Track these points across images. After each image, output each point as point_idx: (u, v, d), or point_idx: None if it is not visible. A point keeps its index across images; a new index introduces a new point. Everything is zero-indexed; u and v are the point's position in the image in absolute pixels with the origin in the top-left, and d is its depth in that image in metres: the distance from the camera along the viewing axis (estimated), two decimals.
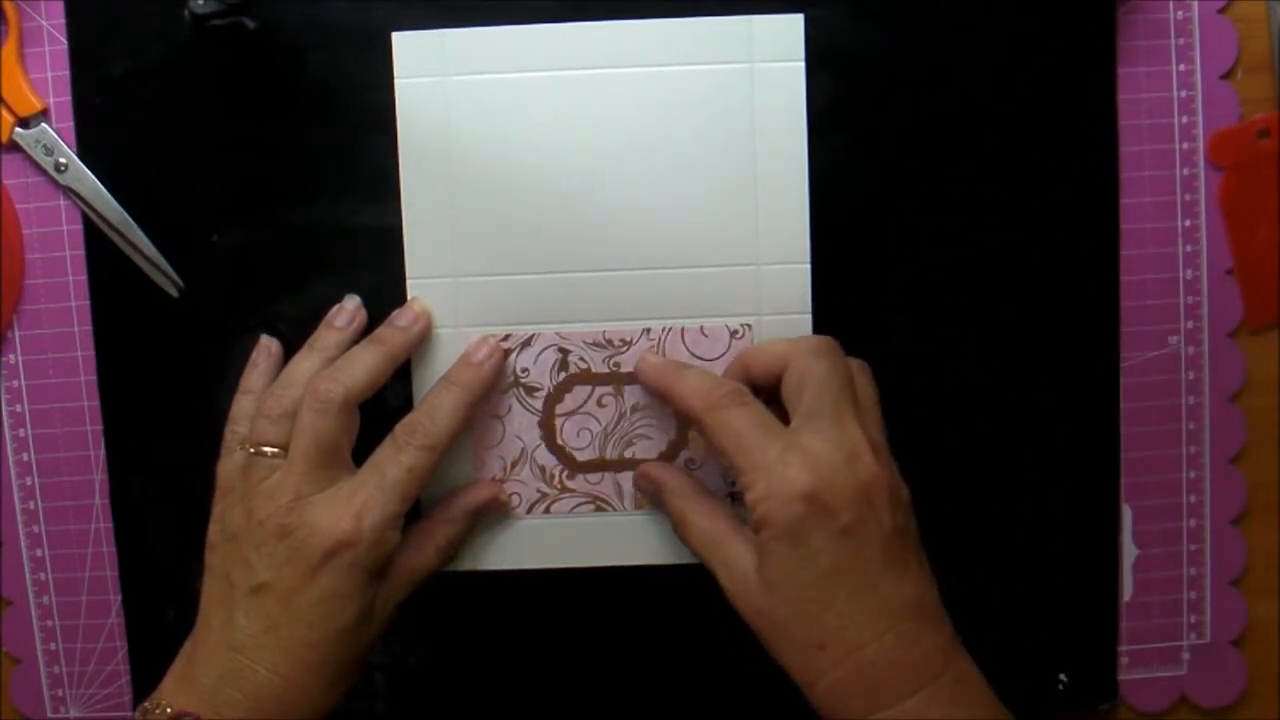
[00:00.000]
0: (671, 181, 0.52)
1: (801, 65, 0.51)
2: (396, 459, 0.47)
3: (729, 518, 0.48)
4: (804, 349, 0.47)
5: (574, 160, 0.52)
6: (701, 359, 0.52)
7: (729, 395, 0.46)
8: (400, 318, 0.51)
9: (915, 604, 0.44)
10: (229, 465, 0.49)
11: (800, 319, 0.52)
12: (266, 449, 0.48)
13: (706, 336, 0.52)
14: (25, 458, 0.54)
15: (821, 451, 0.44)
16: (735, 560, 0.46)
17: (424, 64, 0.51)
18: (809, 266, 0.52)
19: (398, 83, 0.51)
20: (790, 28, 0.51)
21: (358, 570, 0.46)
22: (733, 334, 0.52)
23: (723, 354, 0.52)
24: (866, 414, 0.47)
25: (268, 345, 0.52)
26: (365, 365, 0.49)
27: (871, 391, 0.49)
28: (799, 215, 0.52)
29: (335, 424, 0.47)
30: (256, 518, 0.46)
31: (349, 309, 0.51)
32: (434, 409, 0.49)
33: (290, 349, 0.52)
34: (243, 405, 0.50)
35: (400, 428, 0.48)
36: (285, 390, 0.49)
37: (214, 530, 0.48)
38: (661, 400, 0.50)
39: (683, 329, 0.52)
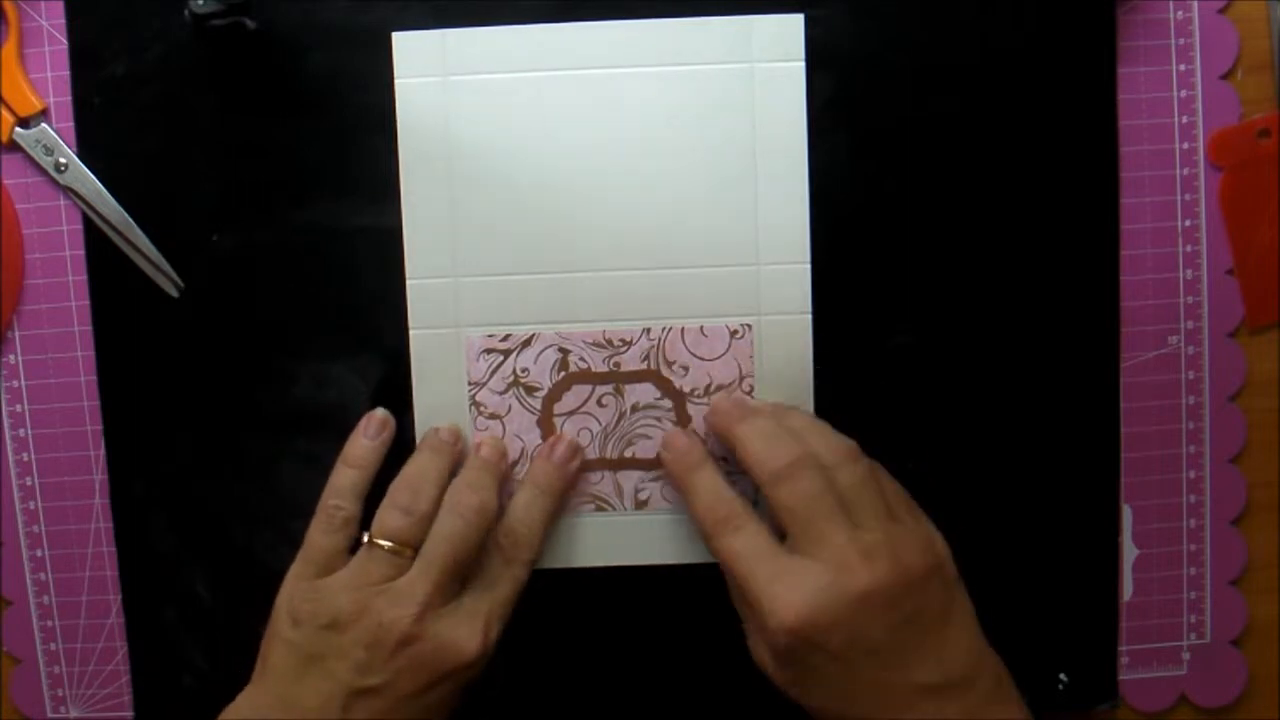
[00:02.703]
0: (672, 181, 0.52)
1: (802, 65, 0.51)
2: (509, 573, 0.48)
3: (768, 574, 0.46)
4: (771, 473, 0.46)
5: (574, 160, 0.52)
6: (701, 359, 0.52)
7: (725, 520, 0.47)
8: (554, 452, 0.51)
9: (935, 684, 0.44)
10: (329, 543, 0.48)
11: (800, 319, 0.52)
12: (387, 544, 0.47)
13: (706, 337, 0.52)
14: (25, 458, 0.54)
15: (806, 576, 0.44)
16: (753, 644, 0.47)
17: (424, 64, 0.51)
18: (809, 266, 0.52)
19: (398, 83, 0.51)
20: (790, 28, 0.51)
21: (466, 684, 0.47)
22: (733, 334, 0.52)
23: (723, 354, 0.52)
24: (859, 508, 0.46)
25: (383, 420, 0.51)
26: (497, 476, 0.50)
27: (859, 479, 0.47)
28: (799, 215, 0.52)
29: (477, 538, 0.48)
30: (376, 619, 0.46)
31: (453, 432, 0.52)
32: (530, 519, 0.50)
33: (291, 348, 0.52)
34: (347, 478, 0.50)
35: (504, 539, 0.49)
36: (424, 489, 0.49)
37: (302, 603, 0.47)
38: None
39: (683, 329, 0.52)
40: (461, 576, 0.48)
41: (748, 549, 0.46)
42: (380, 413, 0.51)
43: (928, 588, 0.45)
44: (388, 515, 0.48)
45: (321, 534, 0.49)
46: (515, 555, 0.49)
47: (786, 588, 0.44)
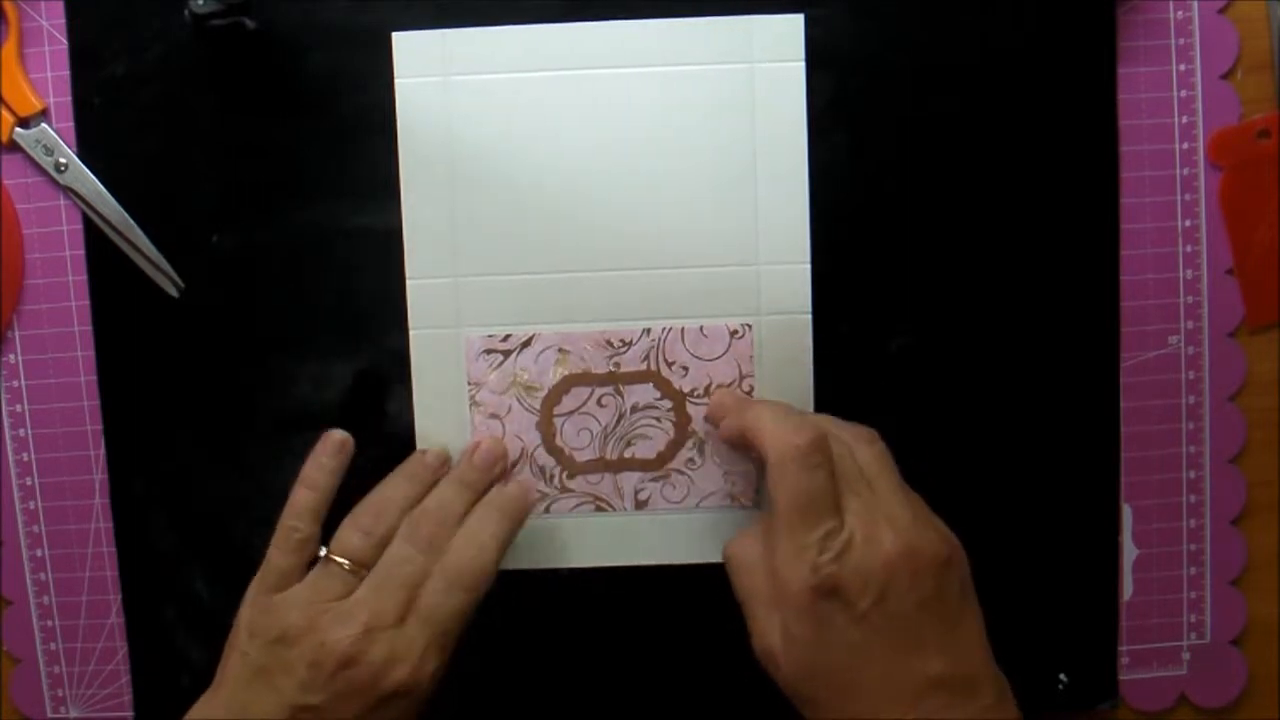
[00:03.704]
0: (672, 181, 0.52)
1: (802, 65, 0.51)
2: (450, 602, 0.47)
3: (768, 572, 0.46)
4: (795, 448, 0.45)
5: (574, 160, 0.52)
6: (701, 359, 0.52)
7: (800, 451, 0.45)
8: (479, 456, 0.51)
9: (944, 676, 0.44)
10: (285, 563, 0.48)
11: (800, 318, 0.52)
12: (344, 562, 0.48)
13: (706, 337, 0.52)
14: (25, 458, 0.54)
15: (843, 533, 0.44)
16: (761, 633, 0.46)
17: (424, 64, 0.51)
18: (809, 266, 0.52)
19: (398, 82, 0.51)
20: (790, 28, 0.51)
21: (414, 708, 0.47)
22: (733, 334, 0.52)
23: (722, 354, 0.52)
24: (881, 485, 0.46)
25: (340, 441, 0.51)
26: (462, 505, 0.50)
27: (879, 458, 0.47)
28: (799, 215, 0.52)
29: (429, 566, 0.48)
30: (320, 638, 0.46)
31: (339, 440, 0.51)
32: (480, 546, 0.48)
33: (291, 348, 0.52)
34: (305, 499, 0.49)
35: (451, 564, 0.48)
36: (387, 514, 0.49)
37: (257, 615, 0.47)
38: (735, 440, 0.50)
39: (683, 329, 0.52)
40: (410, 600, 0.47)
41: (804, 492, 0.45)
42: (338, 434, 0.51)
43: (947, 575, 0.45)
44: (347, 534, 0.48)
45: (278, 554, 0.48)
46: (459, 582, 0.48)
47: (830, 541, 0.44)
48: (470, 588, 0.48)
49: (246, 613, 0.48)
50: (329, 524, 0.50)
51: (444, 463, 0.52)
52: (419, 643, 0.46)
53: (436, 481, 0.51)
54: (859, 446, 0.47)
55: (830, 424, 0.48)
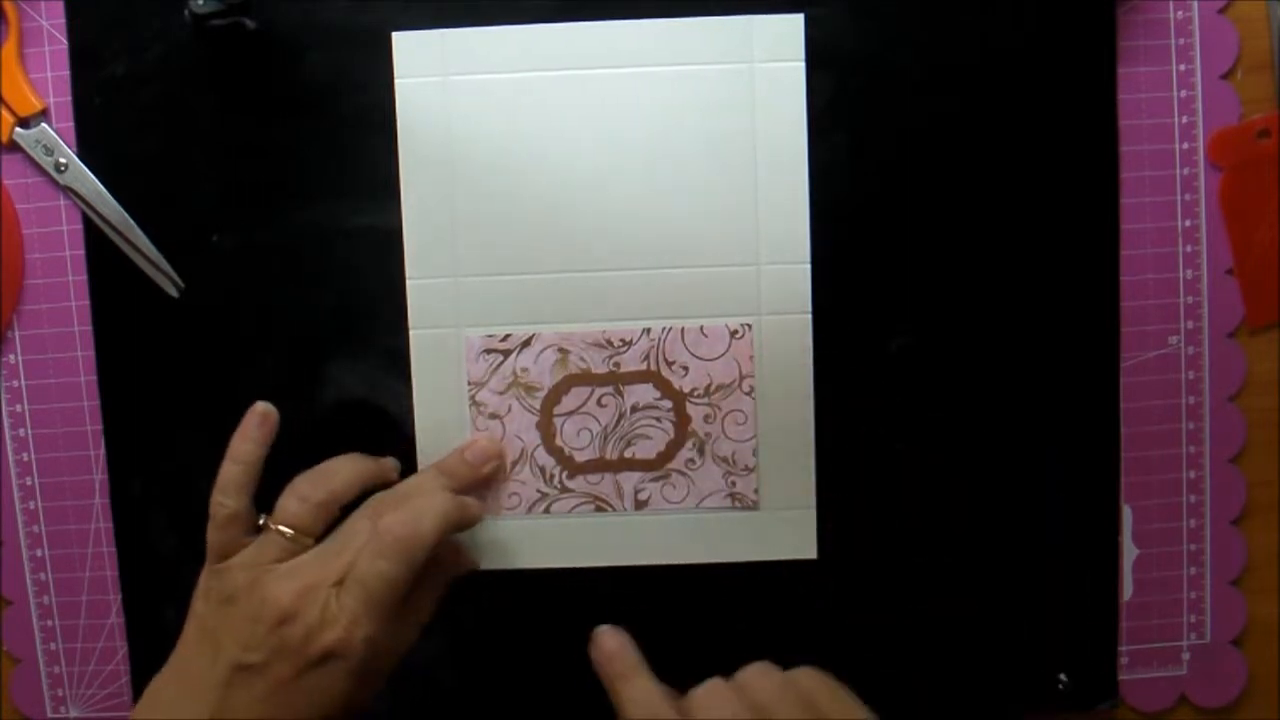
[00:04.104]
0: (672, 181, 0.52)
1: (801, 65, 0.51)
2: (376, 567, 0.46)
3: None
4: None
5: (574, 160, 0.52)
6: (701, 359, 0.52)
7: None
8: (471, 452, 0.52)
9: None
10: (218, 538, 0.48)
11: (800, 318, 0.52)
12: (284, 530, 0.48)
13: (706, 337, 0.52)
14: (25, 458, 0.54)
15: None
16: None
17: (424, 64, 0.51)
18: (809, 266, 0.52)
19: (398, 82, 0.51)
20: (790, 27, 0.51)
21: (351, 675, 0.46)
22: (733, 334, 0.52)
23: (722, 354, 0.52)
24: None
25: (263, 413, 0.51)
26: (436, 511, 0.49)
27: (813, 690, 0.46)
28: (799, 214, 0.52)
29: (401, 565, 0.47)
30: (261, 594, 0.46)
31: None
32: (416, 519, 0.47)
33: (291, 348, 0.52)
34: (230, 474, 0.49)
35: (383, 531, 0.47)
36: (323, 481, 0.49)
37: (210, 580, 0.48)
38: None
39: (682, 329, 0.52)
40: (351, 566, 0.47)
41: None
42: (261, 406, 0.51)
43: None
44: (286, 501, 0.48)
45: (212, 529, 0.48)
46: (389, 549, 0.47)
47: None
48: (398, 556, 0.46)
49: (200, 583, 0.48)
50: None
51: (394, 471, 0.52)
52: (350, 606, 0.46)
53: (386, 459, 0.52)
54: (761, 698, 0.46)
55: (718, 689, 0.46)
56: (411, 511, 0.48)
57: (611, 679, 0.48)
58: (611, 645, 0.49)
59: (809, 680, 0.46)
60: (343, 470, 0.50)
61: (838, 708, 0.45)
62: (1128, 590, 0.54)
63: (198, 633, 0.47)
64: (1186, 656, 0.55)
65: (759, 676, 0.46)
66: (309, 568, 0.47)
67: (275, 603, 0.46)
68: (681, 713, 0.46)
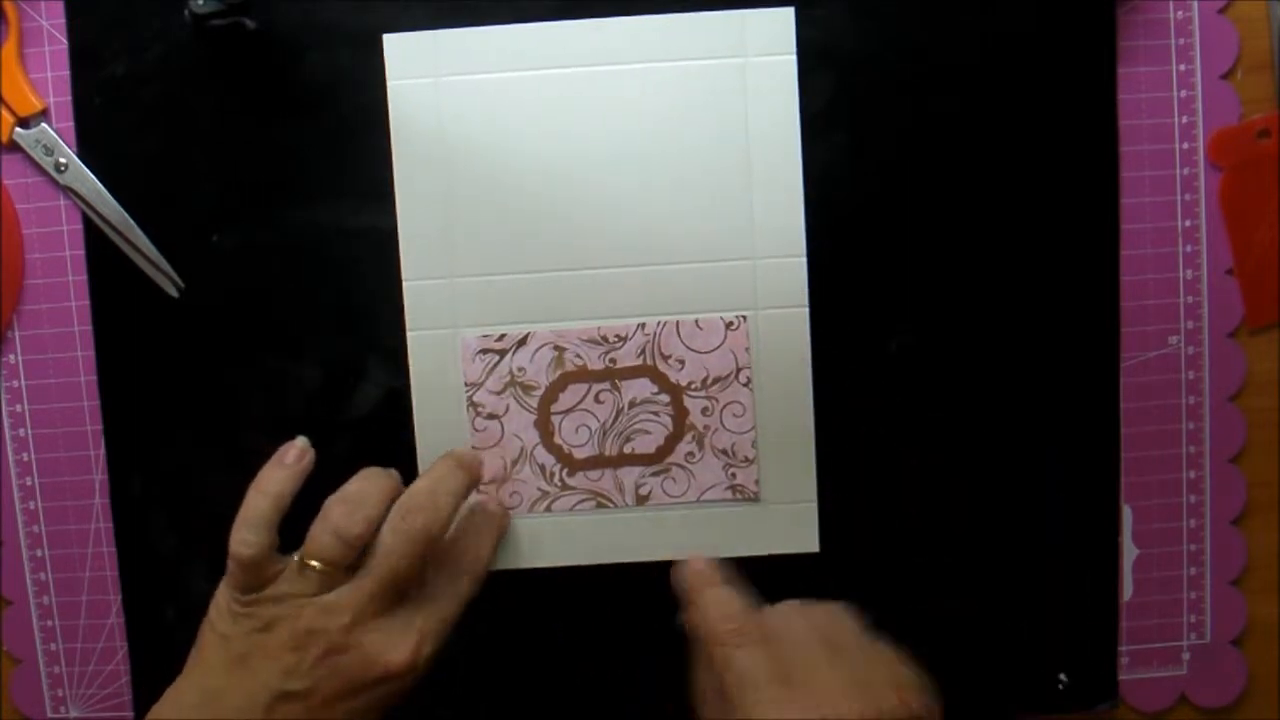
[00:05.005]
0: (666, 177, 0.52)
1: (793, 59, 0.51)
2: (452, 589, 0.48)
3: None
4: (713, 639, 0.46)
5: (568, 157, 0.52)
6: (697, 352, 0.52)
7: (730, 633, 0.46)
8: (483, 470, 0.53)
9: None
10: (244, 578, 0.46)
11: (797, 312, 0.52)
12: (317, 564, 0.46)
13: (701, 330, 0.52)
14: (25, 458, 0.54)
15: (793, 707, 0.43)
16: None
17: (416, 65, 0.51)
18: (805, 260, 0.52)
19: (390, 84, 0.51)
20: (782, 22, 0.51)
21: (396, 694, 0.47)
22: (728, 326, 0.52)
23: (718, 346, 0.52)
24: (845, 654, 0.45)
25: (302, 449, 0.50)
26: (452, 494, 0.49)
27: (839, 631, 0.47)
28: (794, 208, 0.52)
29: (421, 557, 0.47)
30: (306, 625, 0.46)
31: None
32: (478, 537, 0.51)
33: (291, 348, 0.52)
34: (259, 510, 0.47)
35: (451, 553, 0.49)
36: (360, 510, 0.47)
37: (234, 606, 0.47)
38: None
39: (678, 322, 0.52)
40: (401, 591, 0.47)
41: (746, 670, 0.45)
42: (301, 441, 0.50)
43: None
44: (320, 535, 0.47)
45: (236, 566, 0.47)
46: (461, 570, 0.49)
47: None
48: (473, 577, 0.49)
49: (223, 602, 0.47)
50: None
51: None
52: (413, 632, 0.46)
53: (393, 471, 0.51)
54: (820, 620, 0.47)
55: (789, 608, 0.48)
56: (475, 533, 0.51)
57: (695, 590, 0.49)
58: (699, 564, 0.50)
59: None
60: (371, 495, 0.48)
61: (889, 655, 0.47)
62: (1128, 590, 0.54)
63: (226, 657, 0.46)
64: (1186, 656, 0.55)
65: (827, 611, 0.48)
66: (353, 598, 0.46)
67: (324, 635, 0.45)
68: (757, 622, 0.47)
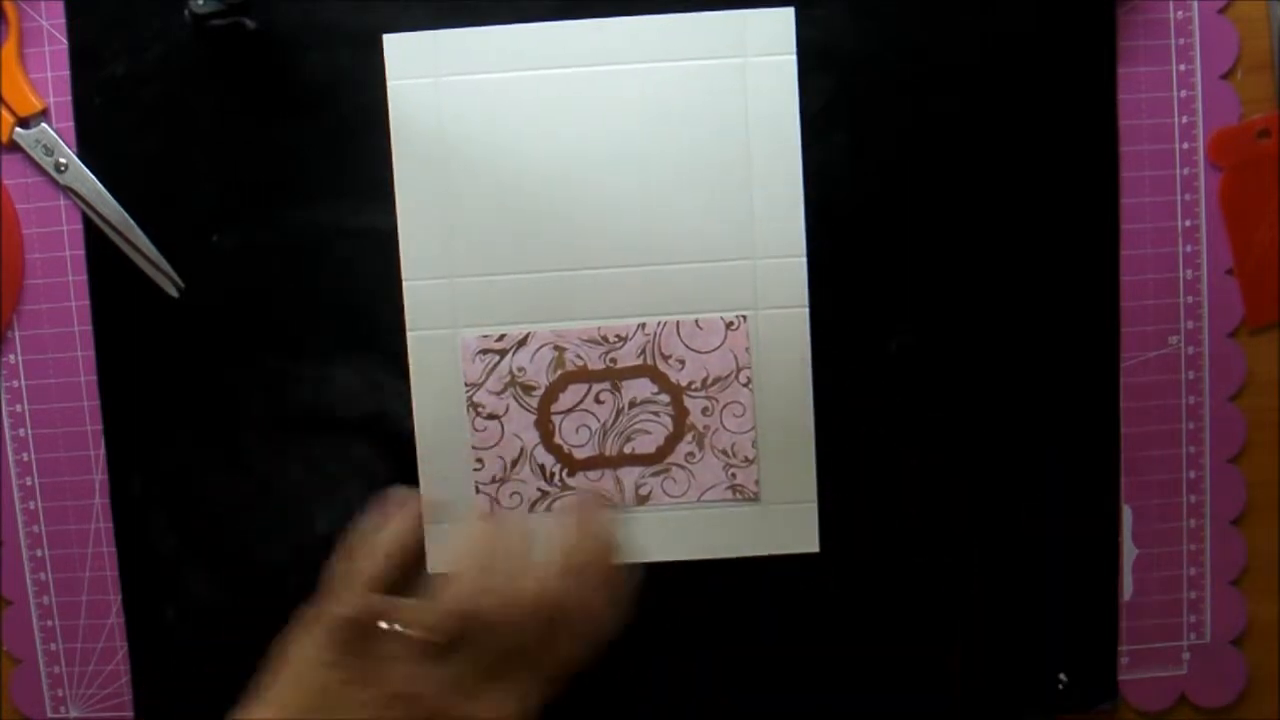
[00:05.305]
0: (666, 177, 0.52)
1: (793, 59, 0.51)
2: (557, 654, 0.44)
3: None
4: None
5: (567, 157, 0.52)
6: (697, 352, 0.52)
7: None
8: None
9: None
10: (344, 630, 0.43)
11: (797, 312, 0.52)
12: (400, 628, 0.43)
13: (701, 329, 0.52)
14: (25, 458, 0.54)
15: None
16: None
17: (416, 65, 0.51)
18: (805, 260, 0.52)
19: (390, 84, 0.51)
20: (782, 22, 0.51)
21: None
22: (728, 326, 0.52)
23: (718, 345, 0.52)
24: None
25: (404, 502, 0.46)
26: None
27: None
28: (794, 208, 0.52)
29: (522, 623, 0.44)
30: (401, 689, 0.42)
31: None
32: (592, 598, 0.45)
33: (291, 348, 0.52)
34: (379, 570, 0.44)
35: (559, 622, 0.45)
36: (454, 579, 0.44)
37: (338, 659, 0.42)
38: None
39: (678, 323, 0.52)
40: (507, 656, 0.44)
41: None
42: (400, 492, 0.47)
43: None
44: (421, 611, 0.43)
45: (337, 624, 0.43)
46: (575, 633, 0.44)
47: None
48: (587, 641, 0.45)
49: (322, 641, 0.43)
50: None
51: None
52: (519, 694, 0.44)
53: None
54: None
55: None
56: (580, 600, 0.45)
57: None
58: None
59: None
60: (465, 553, 0.45)
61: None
62: (1128, 590, 0.54)
63: (317, 695, 0.42)
64: (1186, 656, 0.55)
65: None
66: (457, 667, 0.43)
67: (418, 701, 0.42)
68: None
